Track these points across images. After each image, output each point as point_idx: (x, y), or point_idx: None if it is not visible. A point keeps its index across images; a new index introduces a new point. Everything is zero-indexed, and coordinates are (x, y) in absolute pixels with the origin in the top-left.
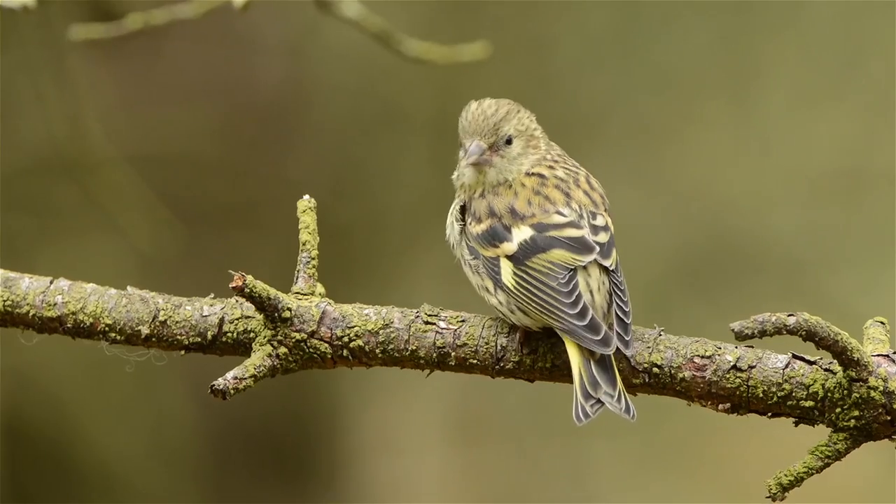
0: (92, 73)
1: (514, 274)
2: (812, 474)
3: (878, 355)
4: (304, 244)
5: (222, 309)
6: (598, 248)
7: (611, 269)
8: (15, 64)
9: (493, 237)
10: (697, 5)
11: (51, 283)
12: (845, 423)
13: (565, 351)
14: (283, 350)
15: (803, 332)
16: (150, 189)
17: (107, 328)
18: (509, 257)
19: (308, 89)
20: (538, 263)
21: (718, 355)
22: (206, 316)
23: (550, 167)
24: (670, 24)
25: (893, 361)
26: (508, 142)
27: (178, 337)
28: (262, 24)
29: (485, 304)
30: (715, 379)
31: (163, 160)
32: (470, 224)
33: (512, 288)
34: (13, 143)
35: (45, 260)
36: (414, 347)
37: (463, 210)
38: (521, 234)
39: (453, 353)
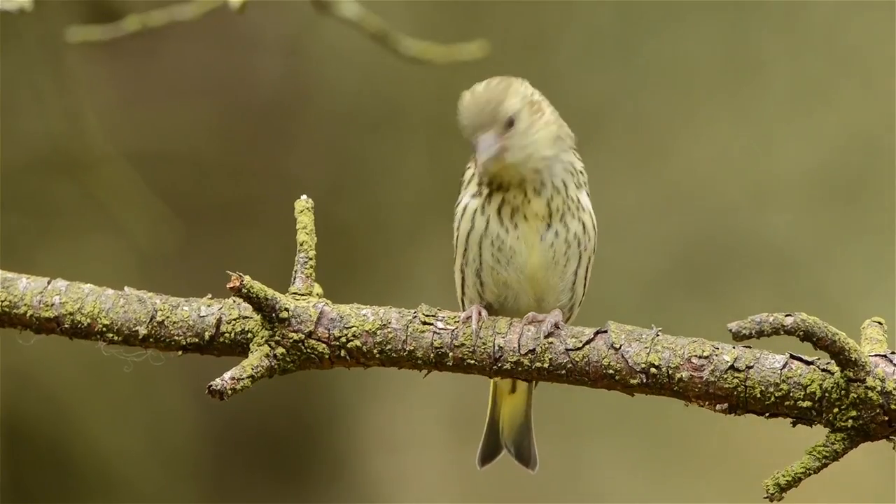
0: (91, 70)
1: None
2: (809, 474)
3: (876, 355)
4: (301, 244)
5: (220, 309)
6: None
7: None
8: (13, 62)
9: None
10: (698, 4)
11: (48, 283)
12: (843, 424)
13: (564, 352)
14: (280, 350)
15: (801, 333)
16: (149, 187)
17: (104, 328)
18: None
19: (307, 88)
20: None
21: (716, 355)
22: (203, 316)
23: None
24: (671, 23)
25: (891, 361)
26: (510, 123)
27: (176, 337)
28: (261, 23)
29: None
30: (712, 379)
31: (162, 158)
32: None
33: None
34: (11, 141)
35: (44, 258)
36: (411, 348)
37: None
38: None
39: (451, 354)
